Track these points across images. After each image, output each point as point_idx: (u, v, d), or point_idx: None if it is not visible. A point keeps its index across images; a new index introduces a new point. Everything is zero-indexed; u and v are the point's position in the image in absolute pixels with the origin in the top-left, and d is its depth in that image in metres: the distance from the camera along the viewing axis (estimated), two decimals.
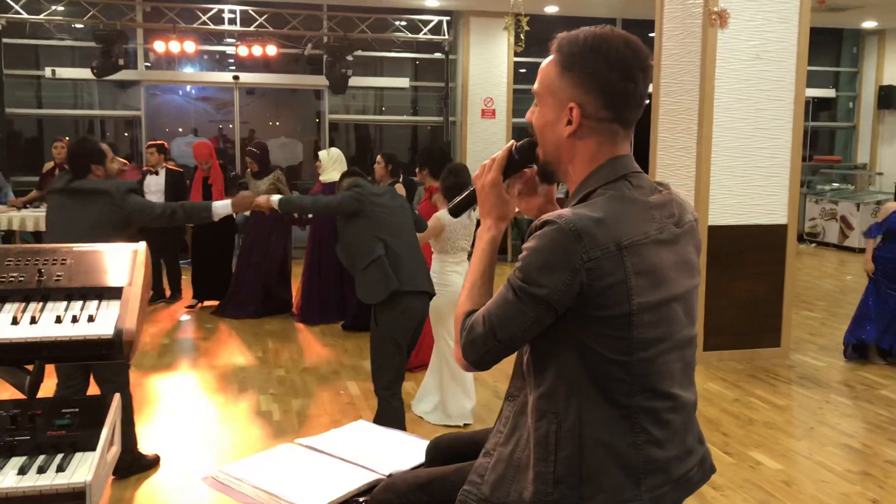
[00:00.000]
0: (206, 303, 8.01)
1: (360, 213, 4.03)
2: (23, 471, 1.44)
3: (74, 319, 1.61)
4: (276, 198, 4.29)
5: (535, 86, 1.62)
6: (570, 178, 1.61)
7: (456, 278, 4.70)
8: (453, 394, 4.77)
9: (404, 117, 13.32)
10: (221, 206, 4.14)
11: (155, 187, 7.95)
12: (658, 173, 6.54)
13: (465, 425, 4.70)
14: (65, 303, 1.66)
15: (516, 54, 11.47)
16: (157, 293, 8.17)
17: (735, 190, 6.07)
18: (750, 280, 6.17)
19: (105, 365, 3.64)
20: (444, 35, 11.59)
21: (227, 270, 8.02)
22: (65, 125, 12.57)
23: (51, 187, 3.89)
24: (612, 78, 1.53)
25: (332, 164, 7.22)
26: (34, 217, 8.39)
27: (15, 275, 1.69)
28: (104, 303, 1.67)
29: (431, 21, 11.56)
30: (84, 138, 4.43)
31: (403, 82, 12.56)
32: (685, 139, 6.19)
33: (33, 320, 1.60)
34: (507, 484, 1.54)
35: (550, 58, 1.60)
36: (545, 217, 1.48)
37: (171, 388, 5.44)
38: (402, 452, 2.06)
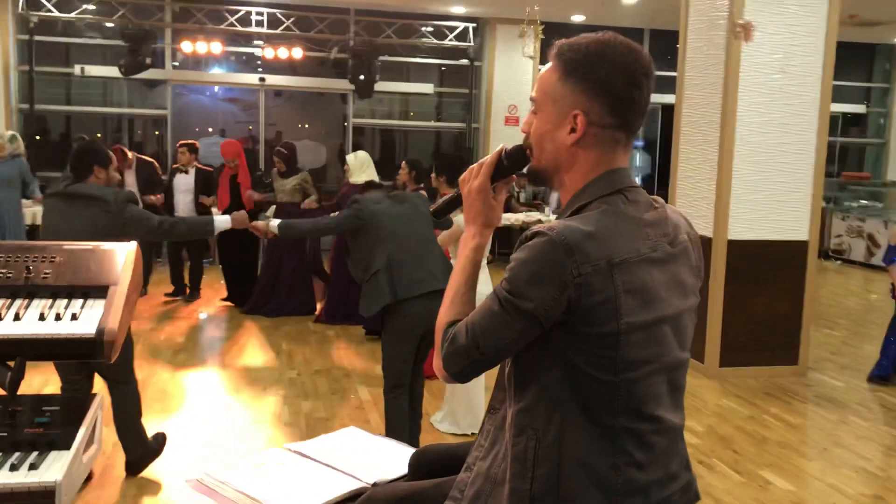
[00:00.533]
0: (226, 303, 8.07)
1: (362, 228, 4.04)
2: None
3: (58, 317, 1.61)
4: (275, 223, 4.22)
5: (534, 93, 1.58)
6: (564, 187, 1.58)
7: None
8: (462, 402, 4.75)
9: (429, 123, 13.33)
10: (222, 222, 4.13)
11: (184, 186, 8.05)
12: (679, 185, 6.47)
13: (474, 434, 4.67)
14: (50, 300, 1.66)
15: (542, 62, 11.43)
16: (178, 289, 8.24)
17: (756, 204, 5.99)
18: (769, 296, 6.08)
19: (108, 366, 3.64)
20: (469, 42, 11.59)
21: (253, 271, 8.05)
22: (93, 123, 12.73)
23: (49, 190, 3.88)
24: (617, 83, 1.50)
25: (359, 167, 7.20)
26: None
27: (4, 271, 1.70)
28: (90, 301, 1.67)
29: (457, 27, 11.56)
30: (91, 140, 4.42)
31: (428, 88, 12.58)
32: (706, 151, 6.12)
33: (17, 317, 1.60)
34: (483, 499, 1.51)
35: (550, 65, 1.57)
36: (536, 228, 1.45)
37: (182, 386, 5.46)
38: (390, 461, 2.04)
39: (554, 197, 10.90)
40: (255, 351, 6.46)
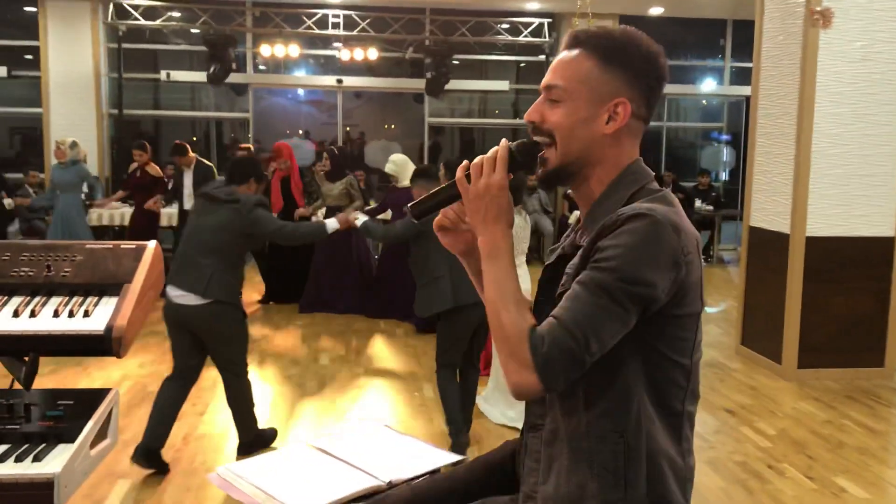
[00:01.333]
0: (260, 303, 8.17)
1: (422, 233, 4.20)
2: (2, 458, 1.49)
3: (71, 314, 1.65)
4: (361, 221, 4.51)
5: (558, 80, 1.46)
6: (594, 179, 1.49)
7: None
8: (497, 402, 4.87)
9: (507, 120, 13.28)
10: (331, 224, 4.39)
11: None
12: (755, 180, 6.25)
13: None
14: (67, 298, 1.71)
15: None
16: None
17: (836, 199, 5.72)
18: (850, 295, 5.80)
19: (218, 351, 4.03)
20: (545, 38, 11.48)
21: (304, 271, 7.99)
22: (179, 126, 13.20)
23: (200, 191, 4.32)
24: (653, 76, 1.47)
25: (403, 170, 7.25)
26: (120, 213, 9.01)
27: (26, 269, 1.76)
28: (104, 299, 1.71)
29: (533, 23, 11.47)
30: (251, 155, 4.76)
31: (504, 85, 12.53)
32: (783, 145, 5.88)
33: (33, 314, 1.65)
34: None
35: (575, 52, 1.47)
36: (631, 211, 1.36)
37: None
38: (411, 459, 2.02)
39: None
40: (324, 347, 6.55)
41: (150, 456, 3.90)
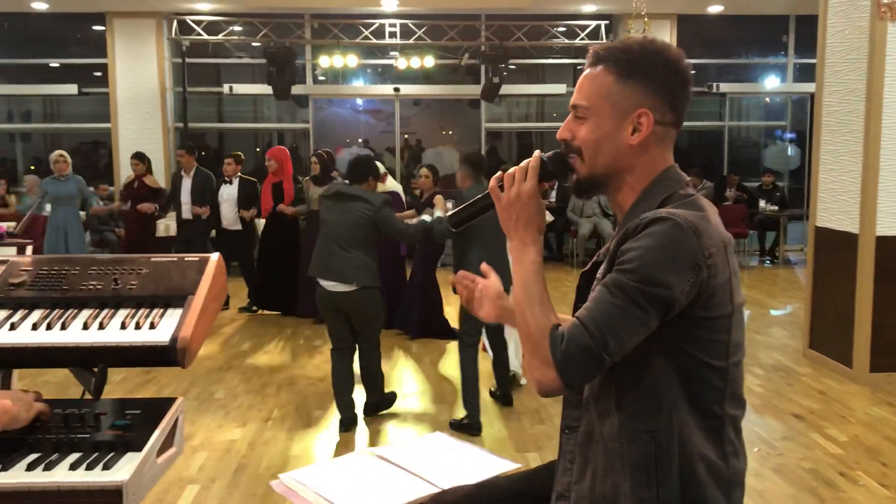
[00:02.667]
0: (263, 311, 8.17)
1: (458, 233, 4.49)
2: (74, 466, 1.55)
3: (137, 326, 1.70)
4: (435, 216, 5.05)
5: (582, 100, 1.54)
6: (626, 188, 1.55)
7: None
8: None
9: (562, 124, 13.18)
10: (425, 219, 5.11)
11: (227, 196, 8.15)
12: (821, 179, 6.09)
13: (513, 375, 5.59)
14: (134, 310, 1.77)
15: None
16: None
17: None
18: None
19: (362, 323, 4.69)
20: (602, 40, 11.39)
21: (294, 279, 7.83)
22: (242, 138, 13.47)
23: (323, 193, 4.93)
24: (675, 82, 1.51)
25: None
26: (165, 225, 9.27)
27: (94, 283, 1.82)
28: (169, 311, 1.76)
29: (589, 26, 11.39)
30: (369, 155, 5.46)
31: (561, 88, 12.46)
32: (850, 143, 5.72)
33: (101, 326, 1.71)
34: None
35: (599, 69, 1.54)
36: (652, 215, 1.41)
37: (318, 394, 5.64)
38: (470, 467, 2.04)
39: None
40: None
41: (354, 420, 4.79)
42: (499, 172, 1.59)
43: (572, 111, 1.57)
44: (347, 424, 4.72)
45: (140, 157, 8.85)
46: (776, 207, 11.27)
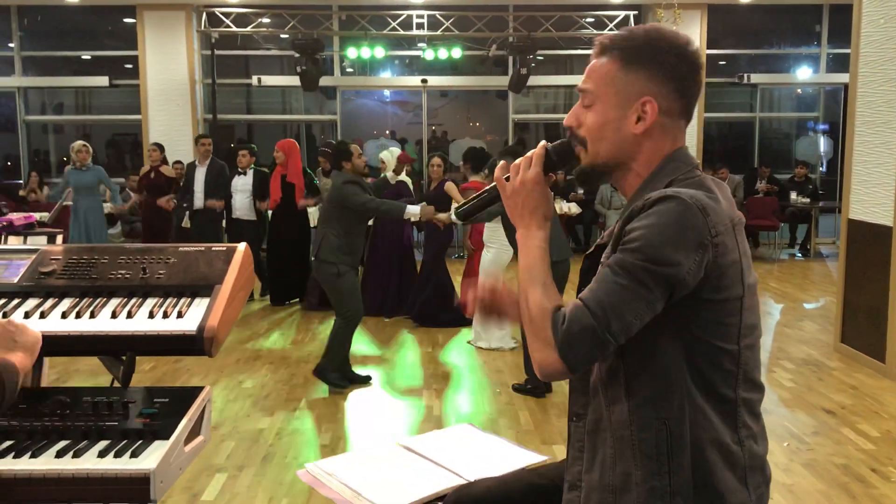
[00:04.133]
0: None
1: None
2: (102, 454, 1.56)
3: (165, 315, 1.72)
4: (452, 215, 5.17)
5: (589, 85, 1.53)
6: (631, 175, 1.54)
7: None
8: (489, 334, 6.00)
9: None
10: (412, 211, 5.42)
11: (242, 187, 8.22)
12: (855, 171, 5.99)
13: (501, 349, 6.19)
14: (162, 299, 1.79)
15: (708, 46, 10.96)
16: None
17: None
18: None
19: (328, 294, 5.27)
20: None
21: (304, 267, 8.00)
22: (271, 130, 13.54)
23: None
24: (681, 68, 1.49)
25: (395, 163, 7.64)
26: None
27: (123, 272, 1.84)
28: (196, 300, 1.77)
29: (618, 16, 11.29)
30: (341, 141, 5.61)
31: None
32: (885, 133, 5.62)
33: (130, 315, 1.73)
34: None
35: (604, 58, 1.53)
36: (658, 194, 1.39)
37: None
38: (497, 459, 2.03)
39: None
40: (409, 346, 6.62)
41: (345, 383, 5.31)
42: (502, 162, 1.62)
43: (580, 96, 1.56)
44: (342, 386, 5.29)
45: (159, 147, 8.96)
46: (808, 200, 11.12)
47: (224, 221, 8.42)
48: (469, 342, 6.58)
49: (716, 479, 1.40)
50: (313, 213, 8.12)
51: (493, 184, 1.61)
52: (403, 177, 7.82)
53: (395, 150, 7.87)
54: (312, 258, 5.23)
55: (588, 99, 1.53)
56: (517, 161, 1.58)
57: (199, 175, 8.27)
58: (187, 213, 8.57)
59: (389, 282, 7.70)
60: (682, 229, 1.34)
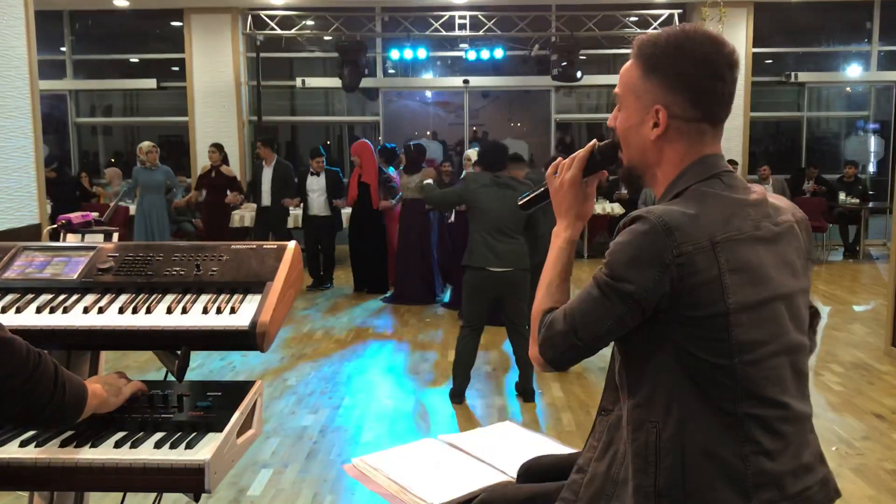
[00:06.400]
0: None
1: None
2: (158, 445, 1.60)
3: (219, 311, 1.75)
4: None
5: (617, 89, 1.59)
6: (657, 181, 1.57)
7: None
8: None
9: None
10: None
11: (317, 187, 8.85)
12: None
13: None
14: (215, 295, 1.83)
15: (754, 44, 10.81)
16: (317, 280, 9.03)
17: None
18: None
19: (518, 307, 5.09)
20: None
21: (384, 261, 8.75)
22: (314, 131, 13.67)
23: (480, 183, 5.14)
24: (699, 76, 1.49)
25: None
26: (251, 215, 9.59)
27: (178, 269, 1.88)
28: (249, 296, 1.81)
29: (662, 15, 11.19)
30: (499, 143, 5.55)
31: None
32: None
33: (184, 310, 1.77)
34: (604, 500, 1.49)
35: (631, 62, 1.56)
36: (636, 213, 1.45)
37: (377, 375, 5.71)
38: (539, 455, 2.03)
39: None
40: (438, 342, 6.63)
41: (464, 394, 5.15)
42: (558, 159, 1.69)
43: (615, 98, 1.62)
44: (460, 397, 5.11)
45: (218, 147, 9.39)
46: (857, 200, 10.90)
47: (292, 219, 9.25)
48: None
49: (709, 490, 1.40)
50: None
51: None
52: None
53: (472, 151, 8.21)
54: (518, 268, 5.02)
55: (619, 102, 1.59)
56: (563, 161, 1.66)
57: (266, 175, 8.97)
58: (246, 212, 9.15)
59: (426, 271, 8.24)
60: (641, 249, 1.40)
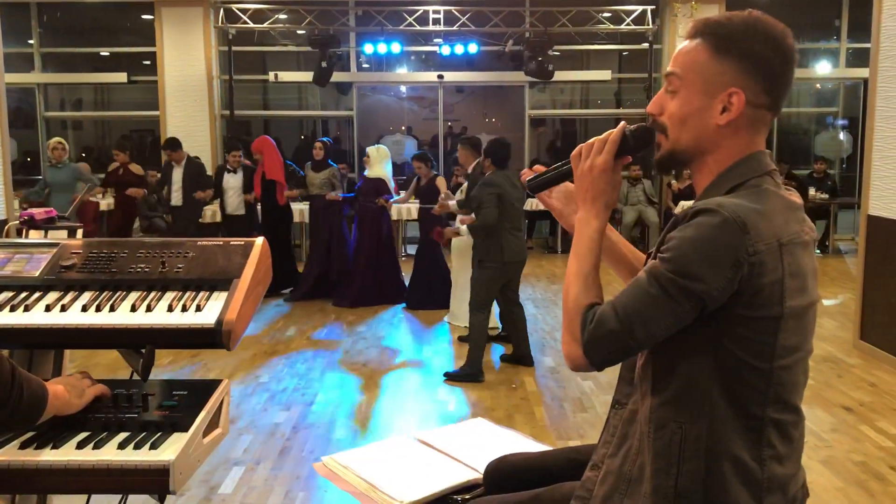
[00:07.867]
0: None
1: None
2: (122, 445, 1.58)
3: (184, 308, 1.73)
4: (464, 228, 5.89)
5: (676, 69, 1.48)
6: (705, 169, 1.48)
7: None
8: (461, 300, 6.27)
9: (609, 110, 13.06)
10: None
11: (234, 183, 8.51)
12: (874, 167, 5.94)
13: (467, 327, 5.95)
14: (181, 293, 1.80)
15: None
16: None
17: None
18: None
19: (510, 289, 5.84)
20: (648, 25, 11.22)
21: (291, 259, 8.59)
22: (287, 126, 13.57)
23: (502, 174, 5.49)
24: (775, 61, 1.42)
25: (379, 160, 7.89)
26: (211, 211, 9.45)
27: (143, 266, 1.85)
28: (215, 293, 1.78)
29: (635, 11, 11.24)
30: (504, 140, 5.69)
31: (605, 75, 12.33)
32: None
33: (149, 308, 1.74)
34: (617, 498, 1.46)
35: (696, 42, 1.46)
36: (701, 205, 1.36)
37: (358, 379, 5.69)
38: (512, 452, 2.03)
39: None
40: (417, 343, 6.63)
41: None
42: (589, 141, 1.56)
43: (665, 81, 1.51)
44: (530, 357, 5.83)
45: (121, 147, 9.36)
46: (826, 196, 11.03)
47: (209, 215, 9.20)
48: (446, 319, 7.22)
49: (727, 494, 1.39)
50: (297, 208, 8.97)
51: (569, 160, 1.57)
52: (380, 172, 7.95)
53: (383, 149, 8.16)
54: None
55: (673, 84, 1.48)
56: (592, 140, 1.54)
57: (177, 174, 8.67)
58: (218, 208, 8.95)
59: (376, 273, 8.04)
60: (716, 246, 1.32)
